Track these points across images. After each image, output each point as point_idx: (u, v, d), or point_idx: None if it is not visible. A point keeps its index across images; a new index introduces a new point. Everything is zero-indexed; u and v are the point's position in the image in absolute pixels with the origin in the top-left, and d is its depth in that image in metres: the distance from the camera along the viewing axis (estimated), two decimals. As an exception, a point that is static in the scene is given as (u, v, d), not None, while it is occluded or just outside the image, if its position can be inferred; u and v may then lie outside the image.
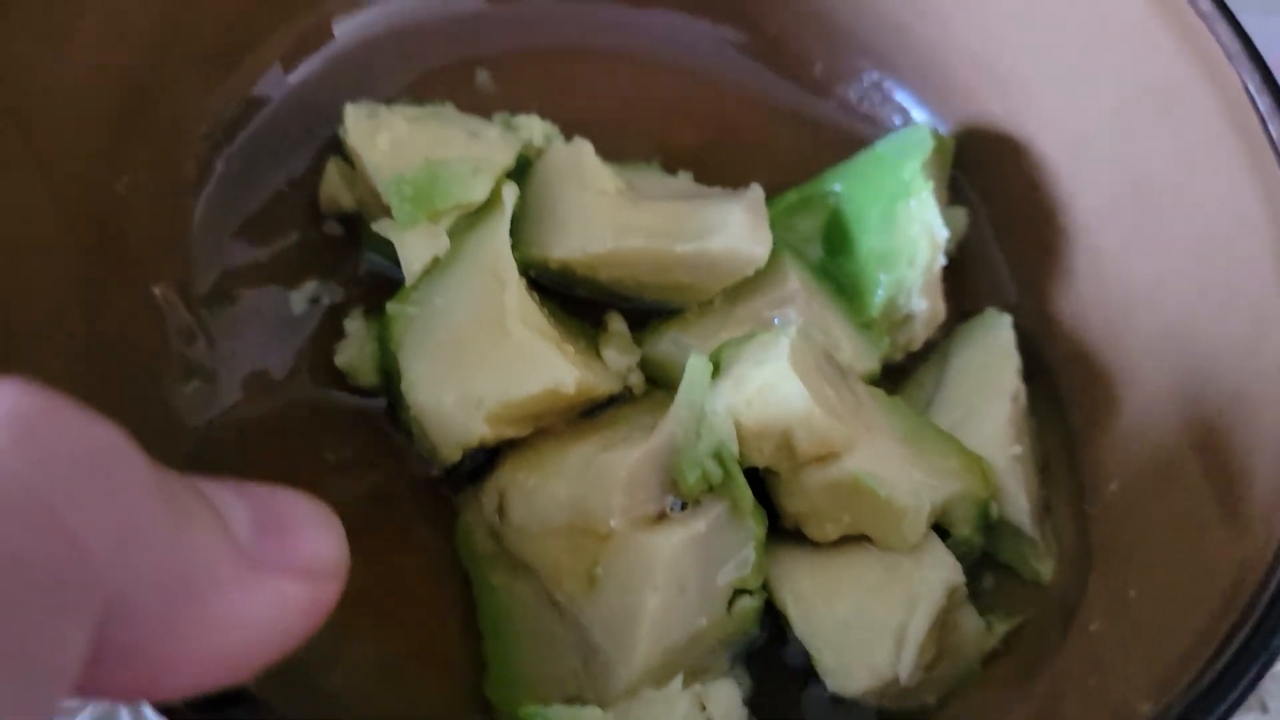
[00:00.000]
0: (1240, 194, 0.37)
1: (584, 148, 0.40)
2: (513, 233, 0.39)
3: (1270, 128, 0.37)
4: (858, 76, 0.47)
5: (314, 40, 0.42)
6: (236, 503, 0.24)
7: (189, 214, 0.40)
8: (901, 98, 0.47)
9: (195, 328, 0.39)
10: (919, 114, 0.46)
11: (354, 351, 0.38)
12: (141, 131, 0.38)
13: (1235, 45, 0.38)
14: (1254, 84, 0.38)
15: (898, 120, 0.46)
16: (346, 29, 0.43)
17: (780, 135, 0.46)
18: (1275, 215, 0.36)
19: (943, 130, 0.44)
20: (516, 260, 0.38)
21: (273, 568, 0.24)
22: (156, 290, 0.39)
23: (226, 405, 0.38)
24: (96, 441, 0.21)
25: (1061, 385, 0.42)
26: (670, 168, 0.43)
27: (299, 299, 0.40)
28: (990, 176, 0.44)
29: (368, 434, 0.38)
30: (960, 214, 0.44)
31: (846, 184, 0.42)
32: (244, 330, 0.39)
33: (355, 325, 0.38)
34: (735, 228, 0.38)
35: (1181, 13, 0.39)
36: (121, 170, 0.38)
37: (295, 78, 0.42)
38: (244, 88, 0.41)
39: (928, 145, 0.40)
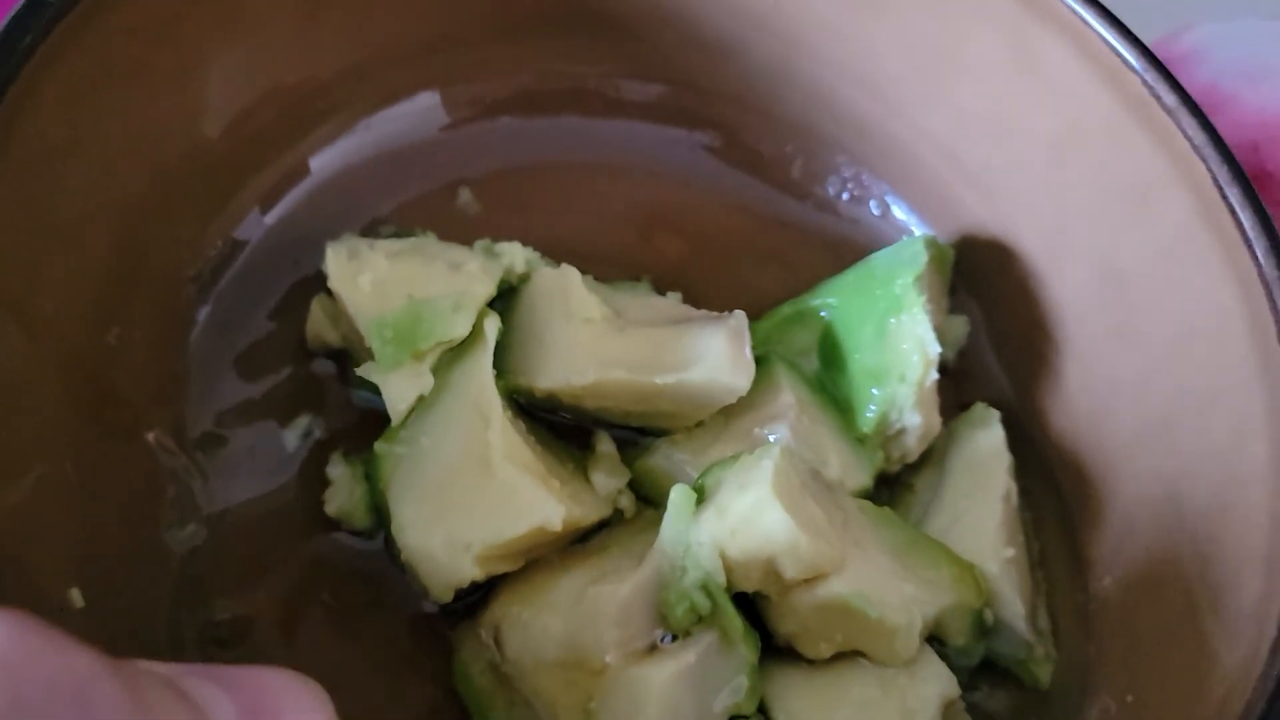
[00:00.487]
0: (1216, 289, 0.37)
1: (570, 275, 0.40)
2: (500, 359, 0.39)
3: (1241, 218, 0.37)
4: (836, 173, 0.47)
5: (293, 176, 0.43)
6: (218, 695, 0.24)
7: (179, 358, 0.41)
8: (886, 198, 0.47)
9: (190, 471, 0.40)
10: (899, 210, 0.46)
11: (344, 497, 0.38)
12: (129, 283, 0.39)
13: (1202, 137, 0.38)
14: (1223, 176, 0.38)
15: (878, 214, 0.47)
16: (323, 162, 0.44)
17: (766, 240, 0.46)
18: (1252, 313, 0.36)
19: (935, 236, 0.44)
20: (503, 388, 0.39)
21: None
22: (150, 436, 0.39)
23: (223, 548, 0.39)
24: (72, 672, 0.21)
25: (1059, 479, 0.42)
26: (660, 287, 0.44)
27: (292, 436, 0.41)
28: (977, 277, 0.45)
29: (364, 574, 0.39)
30: (961, 322, 0.44)
31: (841, 297, 0.42)
32: (238, 470, 0.40)
33: (338, 471, 0.39)
34: (716, 357, 0.38)
35: (1148, 107, 0.39)
36: (111, 322, 0.38)
37: (276, 215, 0.43)
38: (228, 229, 0.42)
39: (921, 259, 0.40)
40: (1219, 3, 0.51)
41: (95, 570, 0.35)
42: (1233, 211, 0.38)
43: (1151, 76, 0.39)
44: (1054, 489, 0.42)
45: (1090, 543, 0.40)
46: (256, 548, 0.39)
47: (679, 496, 0.35)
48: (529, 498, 0.36)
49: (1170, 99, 0.39)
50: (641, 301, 0.42)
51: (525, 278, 0.41)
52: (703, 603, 0.34)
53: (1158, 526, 0.38)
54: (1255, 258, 0.37)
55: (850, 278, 0.43)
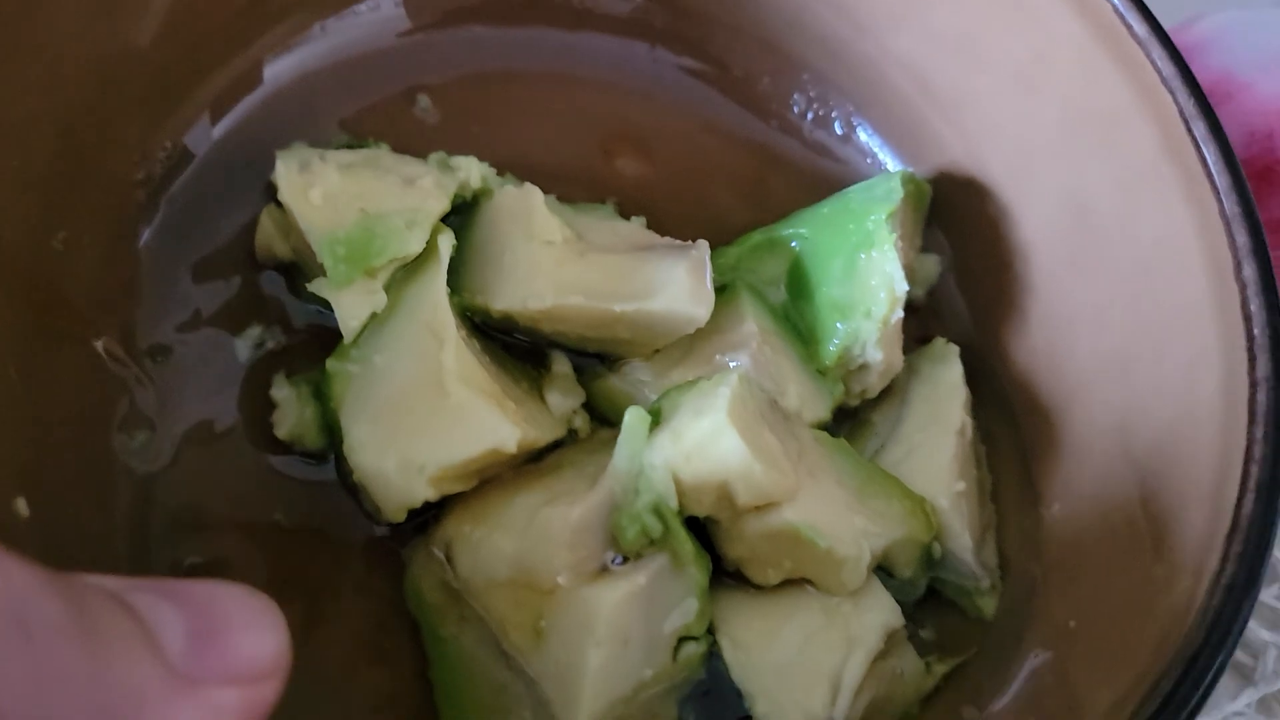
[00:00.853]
0: (1177, 226, 0.37)
1: (533, 195, 0.39)
2: (456, 276, 0.39)
3: (1205, 152, 0.37)
4: (803, 91, 0.46)
5: (245, 82, 0.42)
6: (168, 610, 0.24)
7: (128, 265, 0.40)
8: (852, 119, 0.46)
9: (139, 379, 0.39)
10: (864, 133, 0.46)
11: (293, 419, 0.38)
12: (76, 185, 0.38)
13: (1170, 69, 0.38)
14: (1189, 109, 0.38)
15: (841, 134, 0.46)
16: (279, 69, 0.42)
17: (732, 163, 0.45)
18: (1210, 248, 0.36)
19: (912, 172, 0.43)
20: (459, 306, 0.38)
21: (207, 677, 0.24)
22: (99, 344, 0.38)
23: (173, 458, 0.38)
24: (9, 590, 0.21)
25: (1016, 411, 0.42)
26: (624, 211, 0.43)
27: (243, 345, 0.40)
28: (942, 207, 0.44)
29: (315, 490, 0.38)
30: (932, 261, 0.44)
31: (812, 229, 0.42)
32: (189, 379, 0.39)
33: (284, 393, 0.38)
34: (676, 288, 0.37)
35: (1119, 38, 0.39)
36: (58, 227, 0.37)
37: (228, 122, 0.42)
38: (177, 134, 0.41)
39: (896, 196, 0.40)
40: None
41: (43, 479, 0.35)
42: (1197, 145, 0.37)
43: (1123, 4, 0.38)
44: (1011, 421, 0.42)
45: (1042, 473, 0.40)
46: (207, 460, 0.39)
47: (633, 419, 0.35)
48: (483, 419, 0.35)
49: (1141, 29, 0.38)
50: (604, 225, 0.41)
51: (481, 193, 0.40)
52: (654, 526, 0.35)
53: (1109, 458, 0.38)
54: (1217, 193, 0.37)
55: (824, 210, 0.42)
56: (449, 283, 0.38)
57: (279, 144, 0.40)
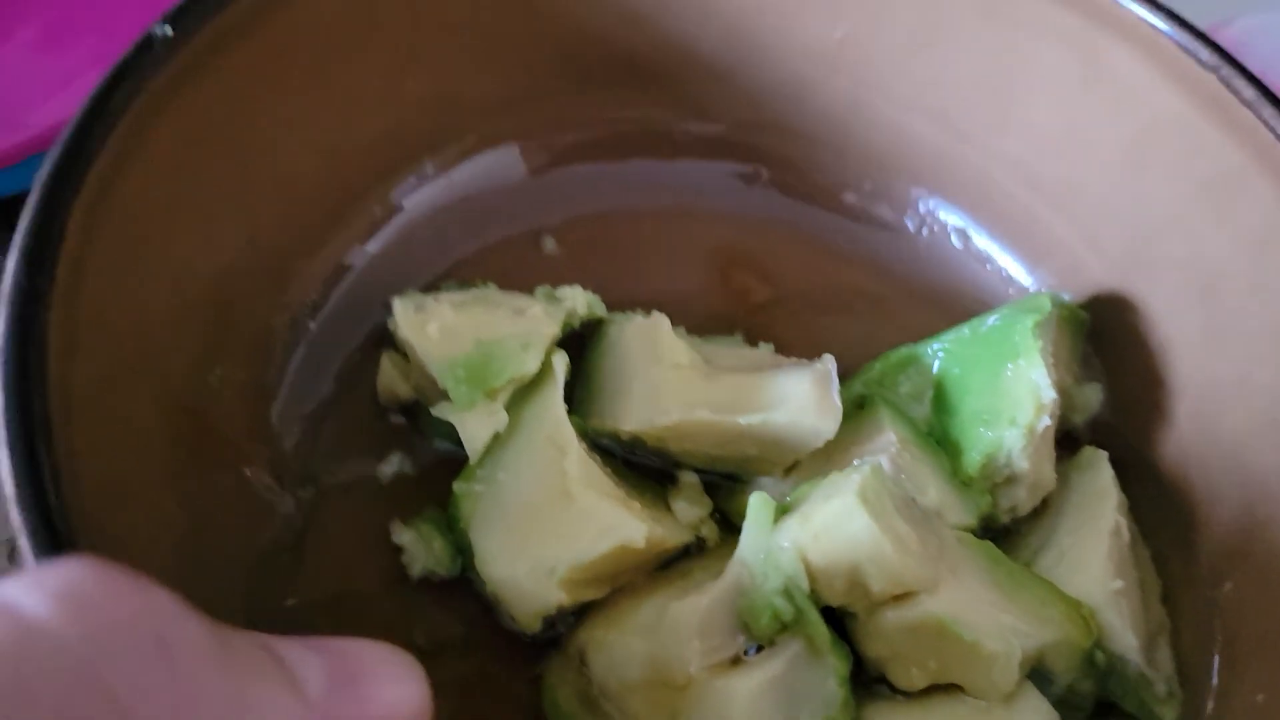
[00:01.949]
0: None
1: (660, 322, 0.41)
2: (585, 403, 0.40)
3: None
4: (913, 206, 0.47)
5: (380, 229, 0.45)
6: (309, 656, 0.24)
7: (274, 399, 0.42)
8: (967, 228, 0.47)
9: (286, 504, 0.40)
10: (979, 238, 0.46)
11: (424, 558, 0.38)
12: (230, 326, 0.40)
13: (1283, 126, 0.37)
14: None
15: (960, 247, 0.46)
16: (412, 207, 0.45)
17: (851, 279, 0.46)
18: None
19: (1067, 298, 0.43)
20: (590, 431, 0.39)
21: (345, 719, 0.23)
22: (248, 471, 0.40)
23: (316, 583, 0.39)
24: (152, 611, 0.22)
25: (1175, 497, 0.40)
26: (752, 338, 0.44)
27: (386, 470, 0.41)
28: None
29: (456, 610, 0.39)
30: (1094, 389, 0.43)
31: (956, 344, 0.41)
32: (331, 506, 0.40)
33: (406, 537, 0.39)
34: (801, 400, 0.38)
35: (1225, 104, 0.38)
36: (214, 363, 0.40)
37: (359, 267, 0.44)
38: (315, 281, 0.43)
39: (1044, 310, 0.39)
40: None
41: (194, 596, 0.36)
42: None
43: (1226, 73, 0.39)
44: (1174, 513, 0.40)
45: (1211, 554, 0.38)
46: (349, 585, 0.39)
47: (758, 501, 0.35)
48: (610, 518, 0.36)
49: (1249, 92, 0.38)
50: (732, 351, 0.42)
51: (590, 319, 0.42)
52: (785, 608, 0.33)
53: (1275, 522, 0.35)
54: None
55: (967, 328, 0.42)
56: (577, 410, 0.39)
57: (409, 284, 0.42)
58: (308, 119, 0.41)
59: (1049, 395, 0.38)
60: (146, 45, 0.36)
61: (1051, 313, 0.40)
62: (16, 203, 0.36)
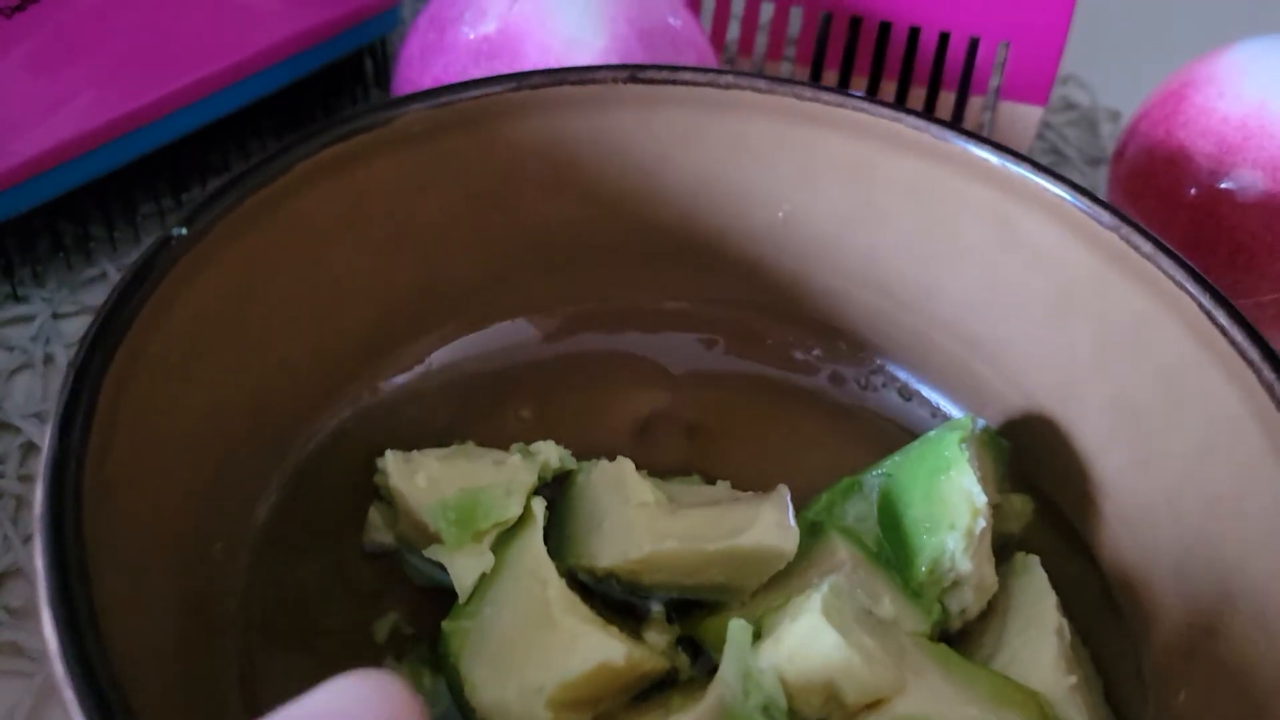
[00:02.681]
0: (1223, 401, 0.40)
1: (625, 465, 0.43)
2: (562, 545, 0.42)
3: (1232, 335, 0.40)
4: (861, 367, 0.51)
5: (371, 408, 0.48)
6: None
7: (274, 568, 0.43)
8: (911, 385, 0.51)
9: (281, 667, 0.42)
10: (926, 392, 0.50)
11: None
12: (228, 499, 0.42)
13: (1181, 273, 0.42)
14: (1207, 303, 0.41)
15: (906, 400, 0.50)
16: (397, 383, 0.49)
17: (803, 429, 0.50)
18: (1260, 414, 0.39)
19: (987, 424, 0.47)
20: (568, 570, 0.41)
21: None
22: (246, 641, 0.42)
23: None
24: None
25: (1122, 610, 0.43)
26: (709, 478, 0.47)
27: (381, 629, 0.43)
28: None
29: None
30: (1022, 499, 0.46)
31: (893, 468, 0.45)
32: (330, 670, 0.42)
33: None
34: (762, 523, 0.41)
35: (1128, 256, 0.43)
36: (216, 538, 0.41)
37: (356, 433, 0.47)
38: (299, 456, 0.46)
39: (967, 428, 0.43)
40: (1257, 18, 0.51)
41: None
42: (1223, 331, 0.41)
43: (1125, 231, 0.43)
44: (1118, 624, 0.42)
45: (1157, 664, 0.40)
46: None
47: (737, 627, 0.37)
48: (592, 640, 0.38)
49: (1147, 247, 0.43)
50: (692, 489, 0.45)
51: (562, 471, 0.45)
52: (767, 724, 0.35)
53: (1222, 630, 0.38)
54: (1252, 366, 0.39)
55: (900, 453, 0.45)
56: (554, 554, 0.41)
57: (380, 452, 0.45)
58: (296, 314, 0.45)
59: (980, 499, 0.41)
60: (164, 244, 0.40)
61: (974, 433, 0.43)
62: (4, 230, 0.36)
